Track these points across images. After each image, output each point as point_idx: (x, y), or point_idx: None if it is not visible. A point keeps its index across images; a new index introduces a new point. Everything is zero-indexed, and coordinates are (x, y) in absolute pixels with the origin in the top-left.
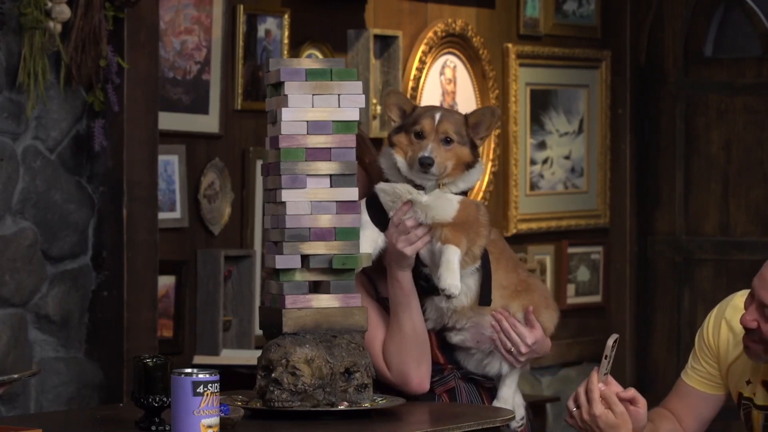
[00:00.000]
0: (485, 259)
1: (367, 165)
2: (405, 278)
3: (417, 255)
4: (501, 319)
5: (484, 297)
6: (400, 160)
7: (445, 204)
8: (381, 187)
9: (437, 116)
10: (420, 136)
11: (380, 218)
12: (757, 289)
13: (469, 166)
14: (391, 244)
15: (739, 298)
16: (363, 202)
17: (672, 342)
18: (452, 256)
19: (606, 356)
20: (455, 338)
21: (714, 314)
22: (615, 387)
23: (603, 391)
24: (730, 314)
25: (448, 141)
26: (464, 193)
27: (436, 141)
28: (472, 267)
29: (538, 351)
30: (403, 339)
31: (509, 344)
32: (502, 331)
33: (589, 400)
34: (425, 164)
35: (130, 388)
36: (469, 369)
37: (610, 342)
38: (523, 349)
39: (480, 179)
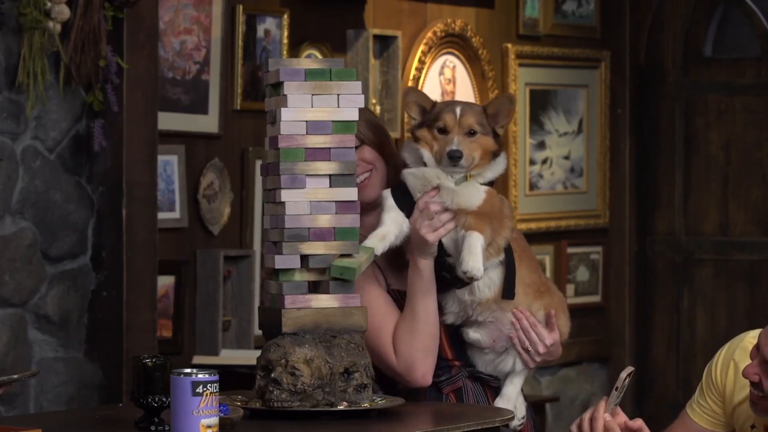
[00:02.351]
0: (509, 252)
1: (387, 156)
2: (426, 267)
3: (440, 245)
4: (521, 318)
5: (507, 290)
6: (427, 155)
7: (472, 192)
8: (410, 171)
9: (458, 110)
10: (444, 131)
11: (405, 206)
12: (763, 345)
13: (495, 154)
14: (414, 229)
15: (750, 339)
16: (388, 191)
17: (671, 342)
18: (475, 241)
19: (617, 388)
20: (472, 336)
21: (724, 352)
22: (621, 418)
23: (608, 421)
24: (739, 356)
25: (472, 133)
26: (491, 183)
27: (460, 134)
28: (496, 260)
29: (552, 354)
30: (416, 326)
31: (527, 343)
32: (521, 329)
33: (592, 429)
34: (454, 157)
35: (130, 388)
36: (478, 368)
37: (623, 375)
38: (541, 349)
39: (506, 168)
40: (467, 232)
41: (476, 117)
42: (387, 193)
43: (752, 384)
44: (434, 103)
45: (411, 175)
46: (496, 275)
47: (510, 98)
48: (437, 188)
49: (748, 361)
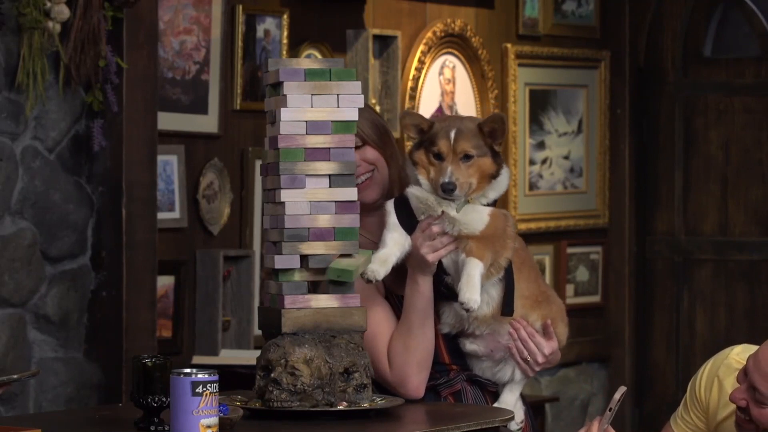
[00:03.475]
0: (509, 269)
1: (389, 156)
2: (425, 283)
3: (440, 262)
4: (519, 328)
5: (506, 307)
6: (424, 182)
7: (474, 217)
8: (413, 191)
9: (452, 135)
10: (439, 157)
11: (408, 221)
12: (751, 371)
13: (494, 176)
14: (415, 248)
15: (735, 356)
16: (391, 203)
17: (671, 342)
18: (474, 270)
19: (610, 409)
20: (469, 347)
21: (708, 368)
22: None
23: None
24: (723, 373)
25: (468, 157)
26: (494, 202)
27: (455, 162)
28: (496, 278)
29: (551, 362)
30: (412, 341)
31: (525, 353)
32: (519, 340)
33: None
34: (447, 190)
35: (129, 389)
36: (475, 372)
37: (617, 396)
38: (540, 359)
39: (508, 184)
40: (467, 258)
41: (471, 140)
42: (390, 207)
43: (739, 408)
44: (431, 123)
45: (414, 197)
46: (495, 292)
47: (502, 118)
48: (442, 212)
49: (732, 378)
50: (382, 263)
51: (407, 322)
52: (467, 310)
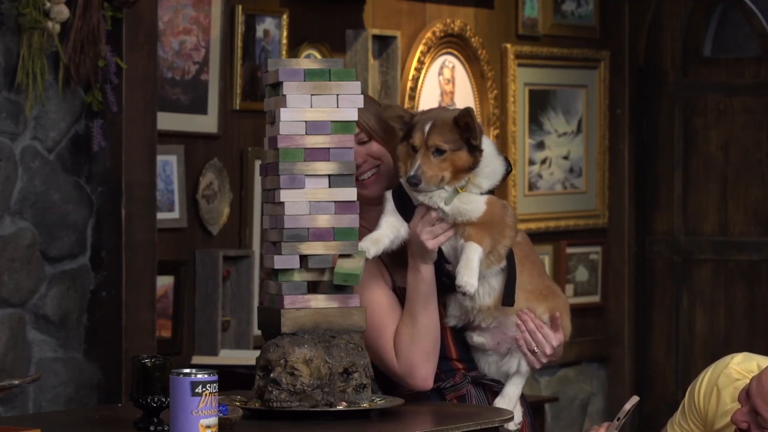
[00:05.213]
0: (510, 259)
1: (394, 150)
2: (427, 271)
3: (440, 250)
4: (527, 320)
5: (507, 298)
6: (402, 176)
7: (471, 206)
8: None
9: (426, 128)
10: (414, 149)
11: (407, 209)
12: (753, 395)
13: (470, 168)
14: (414, 234)
15: (735, 365)
16: (390, 192)
17: (671, 342)
18: (473, 254)
19: (618, 418)
20: (476, 339)
21: (708, 376)
22: None
23: None
24: (723, 382)
25: (439, 152)
26: (491, 191)
27: (426, 155)
28: (497, 267)
29: (556, 355)
30: (417, 331)
31: (533, 344)
32: (527, 331)
33: None
34: (412, 183)
35: (129, 389)
36: (481, 368)
37: (627, 406)
38: (548, 351)
39: (504, 174)
40: (466, 242)
41: (444, 135)
42: (389, 195)
43: (740, 429)
44: (413, 115)
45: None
46: (497, 282)
47: (468, 112)
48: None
49: (731, 389)
50: (374, 242)
51: (411, 311)
52: (464, 294)
